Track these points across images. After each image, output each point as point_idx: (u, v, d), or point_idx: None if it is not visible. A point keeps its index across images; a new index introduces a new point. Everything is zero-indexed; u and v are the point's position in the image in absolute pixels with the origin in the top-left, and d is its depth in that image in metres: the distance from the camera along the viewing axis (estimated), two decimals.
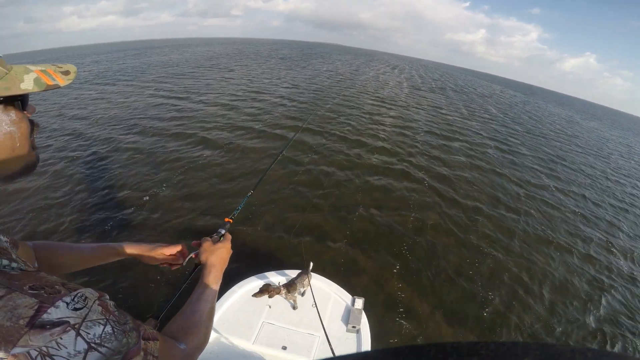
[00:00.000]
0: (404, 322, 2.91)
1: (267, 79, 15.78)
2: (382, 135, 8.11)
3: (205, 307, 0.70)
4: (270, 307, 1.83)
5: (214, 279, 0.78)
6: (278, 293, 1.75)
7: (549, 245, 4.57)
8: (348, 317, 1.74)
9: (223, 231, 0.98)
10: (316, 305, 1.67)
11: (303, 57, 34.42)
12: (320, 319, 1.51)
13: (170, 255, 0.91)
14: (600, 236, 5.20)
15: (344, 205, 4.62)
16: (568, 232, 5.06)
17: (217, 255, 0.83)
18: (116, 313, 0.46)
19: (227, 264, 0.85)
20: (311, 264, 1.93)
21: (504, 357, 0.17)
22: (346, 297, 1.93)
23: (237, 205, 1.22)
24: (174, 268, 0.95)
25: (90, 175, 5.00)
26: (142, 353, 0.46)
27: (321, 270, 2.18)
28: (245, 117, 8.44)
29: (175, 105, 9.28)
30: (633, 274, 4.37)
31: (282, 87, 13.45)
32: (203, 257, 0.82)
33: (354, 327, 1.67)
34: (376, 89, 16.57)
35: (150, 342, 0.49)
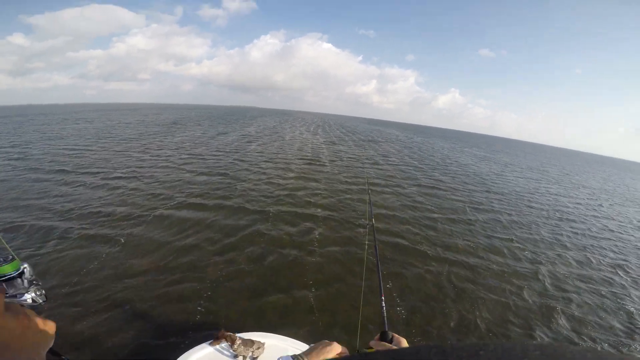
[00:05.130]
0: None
1: (178, 149, 14.76)
2: (320, 202, 7.92)
3: None
4: None
5: None
6: (233, 341, 1.79)
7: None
8: None
9: None
10: None
11: (220, 123, 34.48)
12: None
13: None
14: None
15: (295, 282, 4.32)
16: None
17: None
18: None
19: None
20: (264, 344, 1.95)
21: (503, 358, 0.17)
22: (303, 347, 1.93)
23: None
24: None
25: None
26: None
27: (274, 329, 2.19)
28: (148, 199, 7.37)
29: (59, 193, 7.47)
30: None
31: (196, 159, 12.58)
32: None
33: None
34: (300, 150, 17.28)
35: None
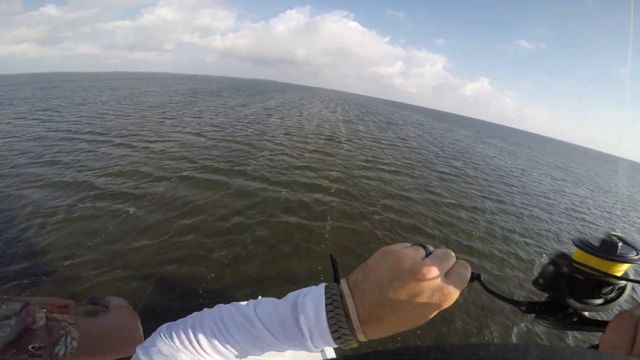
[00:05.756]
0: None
1: (199, 117, 14.97)
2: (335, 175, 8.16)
3: None
4: None
5: None
6: None
7: None
8: None
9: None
10: None
11: (241, 95, 34.51)
12: None
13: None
14: None
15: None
16: None
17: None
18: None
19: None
20: None
21: (504, 358, 0.18)
22: None
23: None
24: None
25: None
26: (45, 319, 0.54)
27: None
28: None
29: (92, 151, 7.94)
30: None
31: (216, 127, 12.79)
32: None
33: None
34: (319, 127, 17.23)
35: (56, 314, 0.58)
